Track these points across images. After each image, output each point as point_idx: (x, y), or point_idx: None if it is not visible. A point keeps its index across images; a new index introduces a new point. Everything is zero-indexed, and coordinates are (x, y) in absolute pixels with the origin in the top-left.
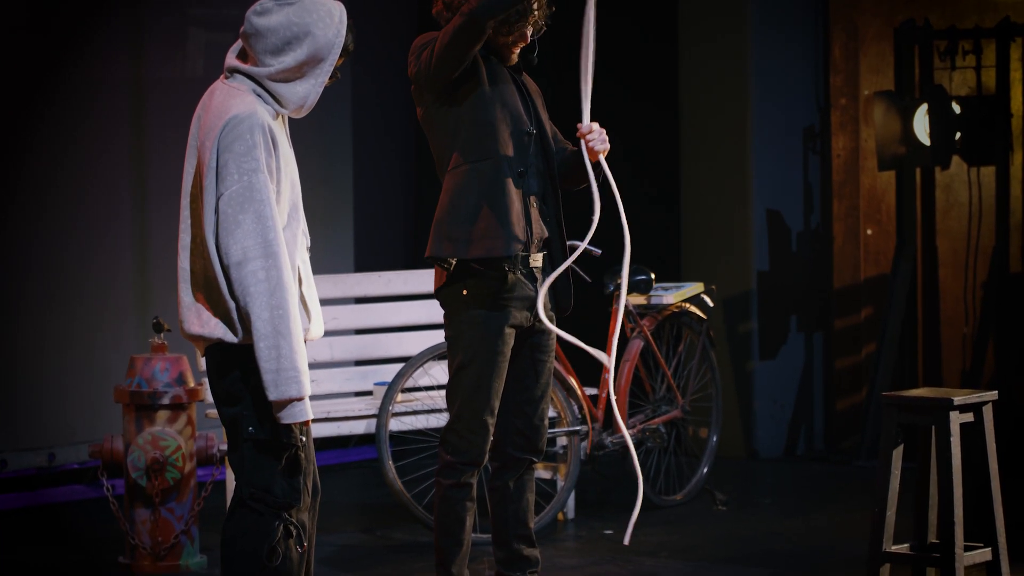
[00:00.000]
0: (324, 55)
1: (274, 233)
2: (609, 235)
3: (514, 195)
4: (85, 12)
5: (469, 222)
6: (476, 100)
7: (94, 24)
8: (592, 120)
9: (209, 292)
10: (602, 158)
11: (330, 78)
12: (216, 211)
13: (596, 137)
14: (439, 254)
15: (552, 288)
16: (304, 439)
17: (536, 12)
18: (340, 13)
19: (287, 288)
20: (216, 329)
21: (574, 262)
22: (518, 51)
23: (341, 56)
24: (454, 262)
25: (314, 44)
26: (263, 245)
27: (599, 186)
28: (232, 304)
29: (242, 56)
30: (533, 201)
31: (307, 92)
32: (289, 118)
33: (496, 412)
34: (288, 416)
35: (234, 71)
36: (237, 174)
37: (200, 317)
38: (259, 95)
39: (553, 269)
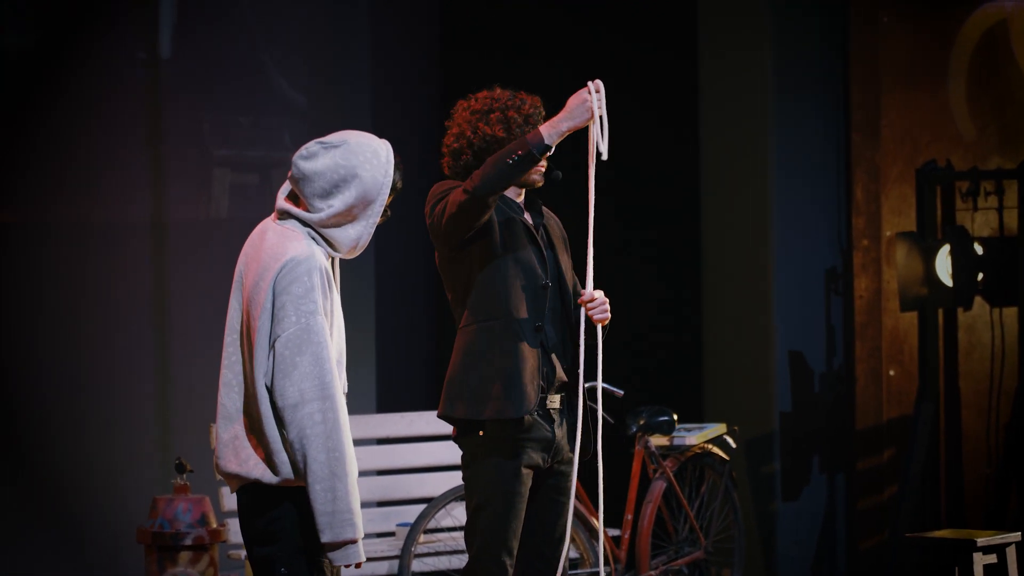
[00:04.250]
0: (373, 196)
1: (331, 376)
2: (632, 376)
3: (527, 353)
4: (105, 151)
5: (478, 383)
6: (486, 258)
7: (114, 164)
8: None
9: (250, 431)
10: (600, 328)
11: (380, 216)
12: (271, 353)
13: (597, 306)
14: (451, 414)
15: (571, 431)
16: None
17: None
18: (386, 152)
19: (343, 430)
20: (254, 469)
21: (593, 402)
22: (540, 174)
23: (390, 195)
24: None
25: (362, 186)
26: (320, 387)
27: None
28: (281, 445)
29: (292, 198)
30: (551, 348)
31: (359, 234)
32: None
33: (514, 552)
34: (342, 558)
35: (286, 214)
36: (295, 316)
37: (238, 456)
38: (313, 238)
39: (570, 410)
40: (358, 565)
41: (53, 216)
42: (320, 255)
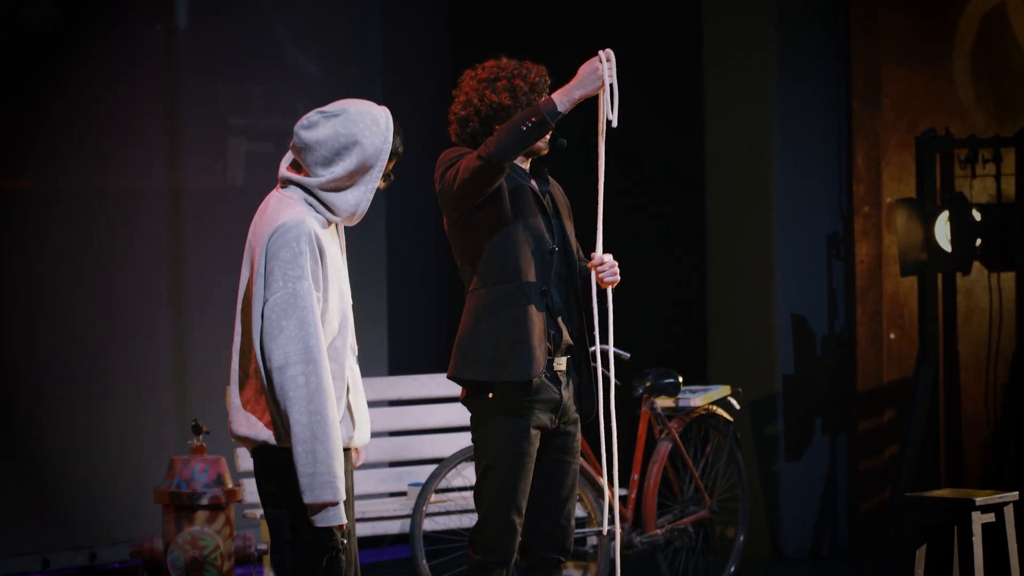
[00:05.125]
0: (372, 162)
1: (316, 340)
2: (638, 339)
3: (535, 316)
4: (122, 120)
5: (489, 345)
6: (496, 224)
7: (131, 132)
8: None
9: (257, 395)
10: (610, 290)
11: (383, 180)
12: (262, 316)
13: (607, 270)
14: (461, 376)
15: (576, 393)
16: (345, 542)
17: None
18: (386, 119)
19: (326, 394)
20: (262, 432)
21: (603, 366)
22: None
23: (391, 160)
24: (474, 384)
25: (362, 153)
26: (304, 351)
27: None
28: (272, 407)
29: (295, 166)
30: (557, 312)
31: (358, 200)
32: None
33: (523, 512)
34: (323, 520)
35: (287, 181)
36: (282, 280)
37: (248, 420)
38: (311, 204)
39: (576, 373)
40: (340, 528)
41: (71, 184)
42: (312, 222)
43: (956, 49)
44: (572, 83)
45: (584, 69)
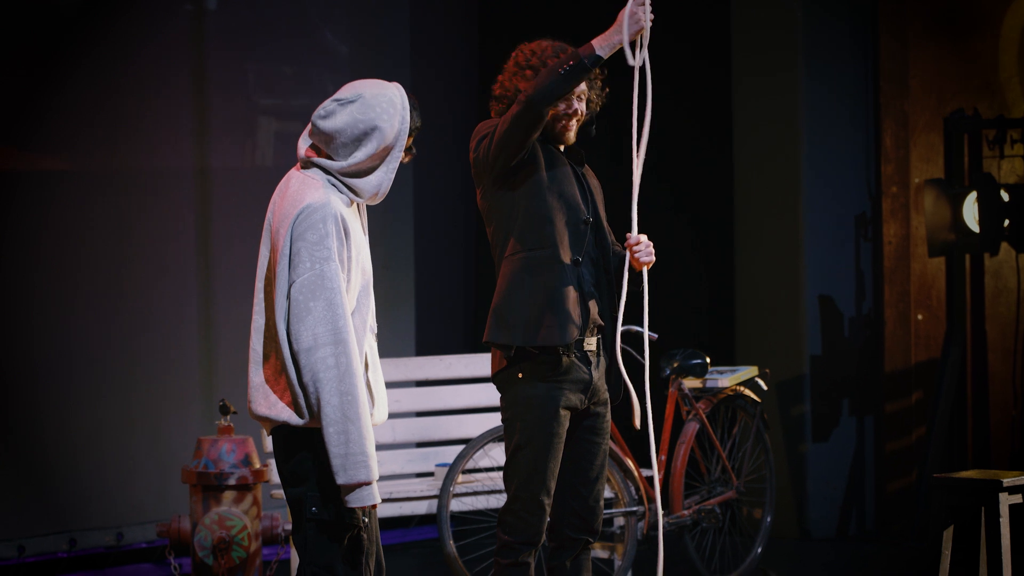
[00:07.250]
0: (393, 143)
1: (344, 320)
2: (666, 320)
3: (570, 283)
4: (150, 99)
5: (526, 310)
6: (534, 188)
7: (159, 112)
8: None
9: (278, 375)
10: (645, 270)
11: (406, 155)
12: (288, 297)
13: (643, 249)
14: (497, 340)
15: (606, 373)
16: (367, 520)
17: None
18: (401, 98)
19: (356, 374)
20: (283, 412)
21: (631, 345)
22: (574, 128)
23: (410, 135)
24: (513, 349)
25: (382, 136)
26: (333, 332)
27: (638, 291)
28: (299, 388)
29: (315, 147)
30: (587, 289)
31: (380, 181)
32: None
33: (552, 492)
34: (356, 500)
35: (309, 163)
36: (309, 262)
37: (268, 399)
38: (333, 184)
39: (605, 353)
40: (373, 507)
41: (99, 165)
42: (337, 202)
43: (1003, 29)
44: (611, 29)
45: (623, 14)
